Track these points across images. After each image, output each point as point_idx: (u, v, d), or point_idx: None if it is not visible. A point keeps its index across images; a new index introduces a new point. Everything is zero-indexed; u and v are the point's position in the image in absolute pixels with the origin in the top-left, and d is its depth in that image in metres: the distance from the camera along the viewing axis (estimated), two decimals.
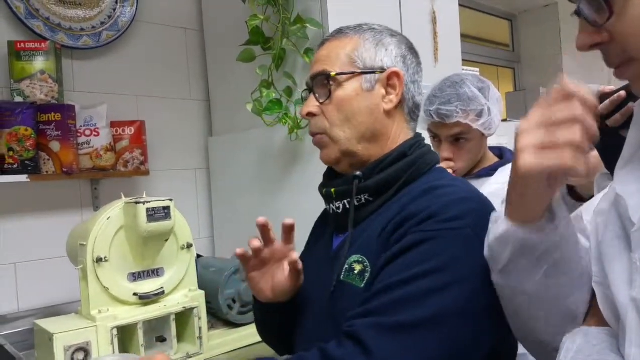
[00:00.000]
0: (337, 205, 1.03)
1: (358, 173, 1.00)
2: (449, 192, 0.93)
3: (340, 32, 1.06)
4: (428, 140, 1.60)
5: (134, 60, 2.21)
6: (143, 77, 2.23)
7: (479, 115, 1.51)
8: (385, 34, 1.06)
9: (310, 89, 1.07)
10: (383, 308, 0.83)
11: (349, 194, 1.00)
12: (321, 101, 1.02)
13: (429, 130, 1.60)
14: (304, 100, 1.12)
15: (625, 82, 1.13)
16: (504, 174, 1.58)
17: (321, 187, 1.08)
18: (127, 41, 2.18)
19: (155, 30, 2.28)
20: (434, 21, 2.23)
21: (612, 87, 1.16)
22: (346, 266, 0.96)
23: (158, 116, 2.25)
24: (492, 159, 1.65)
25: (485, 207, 0.91)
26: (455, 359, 0.82)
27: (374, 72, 1.02)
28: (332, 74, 1.00)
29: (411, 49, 1.08)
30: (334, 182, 1.05)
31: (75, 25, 2.01)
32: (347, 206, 1.01)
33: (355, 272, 0.94)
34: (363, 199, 1.00)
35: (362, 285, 0.92)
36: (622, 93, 1.11)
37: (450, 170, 1.50)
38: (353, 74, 1.01)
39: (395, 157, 1.01)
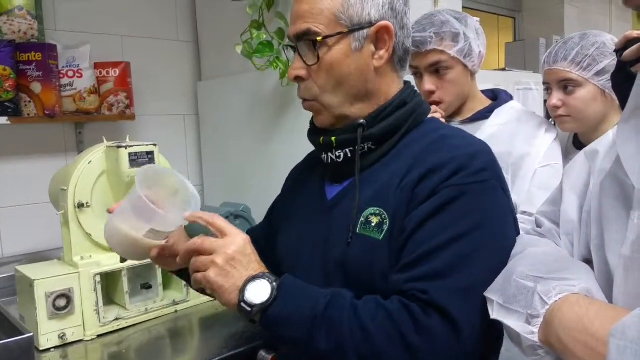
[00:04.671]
0: (338, 154, 1.00)
1: (362, 121, 0.97)
2: (465, 142, 0.95)
3: None
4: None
5: None
6: (128, 16, 2.13)
7: (455, 40, 1.45)
8: None
9: (294, 48, 0.99)
10: (450, 268, 0.83)
11: (351, 142, 0.98)
12: (310, 64, 0.96)
13: (410, 65, 1.54)
14: (285, 51, 1.05)
15: None
16: (501, 114, 1.54)
17: (315, 136, 1.04)
18: None
19: None
20: None
21: (639, 32, 1.11)
22: (362, 219, 0.93)
23: (144, 58, 2.15)
24: (485, 101, 1.59)
25: (494, 156, 0.96)
26: None
27: (361, 29, 0.95)
28: (319, 38, 0.93)
29: None
30: (334, 131, 1.01)
31: None
32: (349, 155, 0.99)
33: (373, 224, 0.92)
34: (366, 147, 0.98)
35: (381, 237, 0.90)
36: None
37: (435, 107, 1.45)
38: (341, 35, 0.94)
39: (396, 105, 0.99)
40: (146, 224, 0.96)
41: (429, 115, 1.06)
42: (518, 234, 0.94)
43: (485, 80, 1.75)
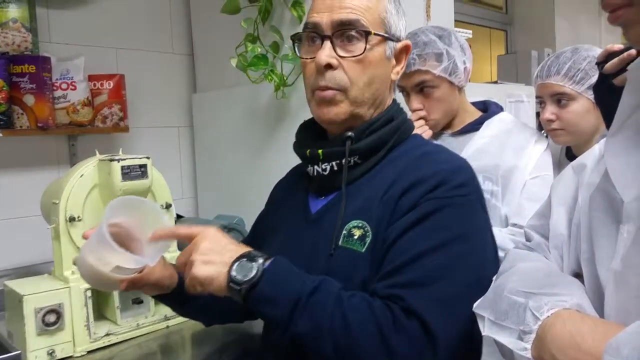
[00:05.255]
0: (324, 167, 1.00)
1: (350, 134, 0.98)
2: (447, 158, 0.98)
3: None
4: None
5: (113, 11, 2.10)
6: (123, 29, 2.12)
7: (438, 59, 1.44)
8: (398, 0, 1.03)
9: (322, 35, 0.96)
10: (429, 277, 0.84)
11: (339, 155, 0.98)
12: (345, 55, 0.95)
13: (397, 85, 1.54)
14: (295, 43, 1.03)
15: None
16: (491, 126, 1.53)
17: (302, 148, 1.04)
18: None
19: None
20: None
21: (620, 46, 1.12)
22: (344, 232, 0.94)
23: (139, 70, 2.15)
24: (475, 113, 1.59)
25: (474, 172, 0.97)
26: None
27: (393, 40, 1.00)
28: (372, 32, 0.95)
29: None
30: (320, 143, 1.02)
31: None
32: (335, 168, 0.99)
33: (355, 237, 0.93)
34: (352, 161, 0.98)
35: (364, 249, 0.91)
36: (633, 51, 1.07)
37: (421, 122, 1.45)
38: (382, 37, 0.97)
39: (384, 121, 1.00)
40: (112, 261, 0.93)
41: (416, 132, 1.08)
42: (496, 249, 0.95)
43: (477, 93, 1.75)
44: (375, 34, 0.95)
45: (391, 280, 0.86)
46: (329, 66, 0.95)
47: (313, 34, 0.98)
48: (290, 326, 0.82)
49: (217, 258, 0.86)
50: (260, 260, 0.85)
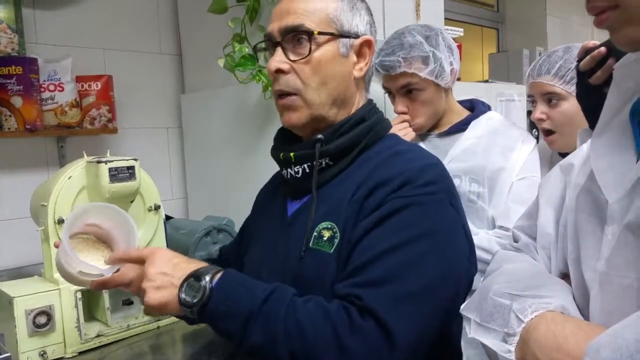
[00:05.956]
0: (296, 170, 1.01)
1: (320, 136, 0.98)
2: (416, 157, 0.97)
3: None
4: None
5: (101, 11, 2.09)
6: (111, 29, 2.12)
7: (425, 62, 1.43)
8: None
9: (275, 42, 1.00)
10: (388, 276, 0.83)
11: (310, 158, 0.99)
12: (295, 59, 0.97)
13: (383, 86, 1.54)
14: (257, 52, 1.07)
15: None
16: (478, 127, 1.52)
17: (276, 152, 1.05)
18: None
19: None
20: None
21: (595, 42, 1.13)
22: (315, 234, 0.95)
23: (127, 71, 2.15)
24: (462, 112, 1.57)
25: (447, 171, 0.97)
26: (447, 316, 0.87)
27: (349, 37, 1.00)
28: (315, 32, 0.96)
29: (372, 15, 1.07)
30: (292, 146, 1.03)
31: None
32: (307, 170, 1.00)
33: (325, 238, 0.94)
34: (324, 162, 0.99)
35: (332, 250, 0.92)
36: (602, 49, 1.08)
37: (404, 124, 1.44)
38: (332, 36, 0.98)
39: (354, 121, 1.01)
40: (75, 266, 0.97)
41: (396, 132, 1.08)
42: (470, 247, 0.95)
43: (468, 92, 1.76)
44: (320, 33, 0.96)
45: (351, 280, 0.86)
46: (280, 71, 0.98)
47: (269, 43, 1.01)
48: (245, 338, 0.83)
49: (166, 281, 0.88)
50: (207, 278, 0.85)
